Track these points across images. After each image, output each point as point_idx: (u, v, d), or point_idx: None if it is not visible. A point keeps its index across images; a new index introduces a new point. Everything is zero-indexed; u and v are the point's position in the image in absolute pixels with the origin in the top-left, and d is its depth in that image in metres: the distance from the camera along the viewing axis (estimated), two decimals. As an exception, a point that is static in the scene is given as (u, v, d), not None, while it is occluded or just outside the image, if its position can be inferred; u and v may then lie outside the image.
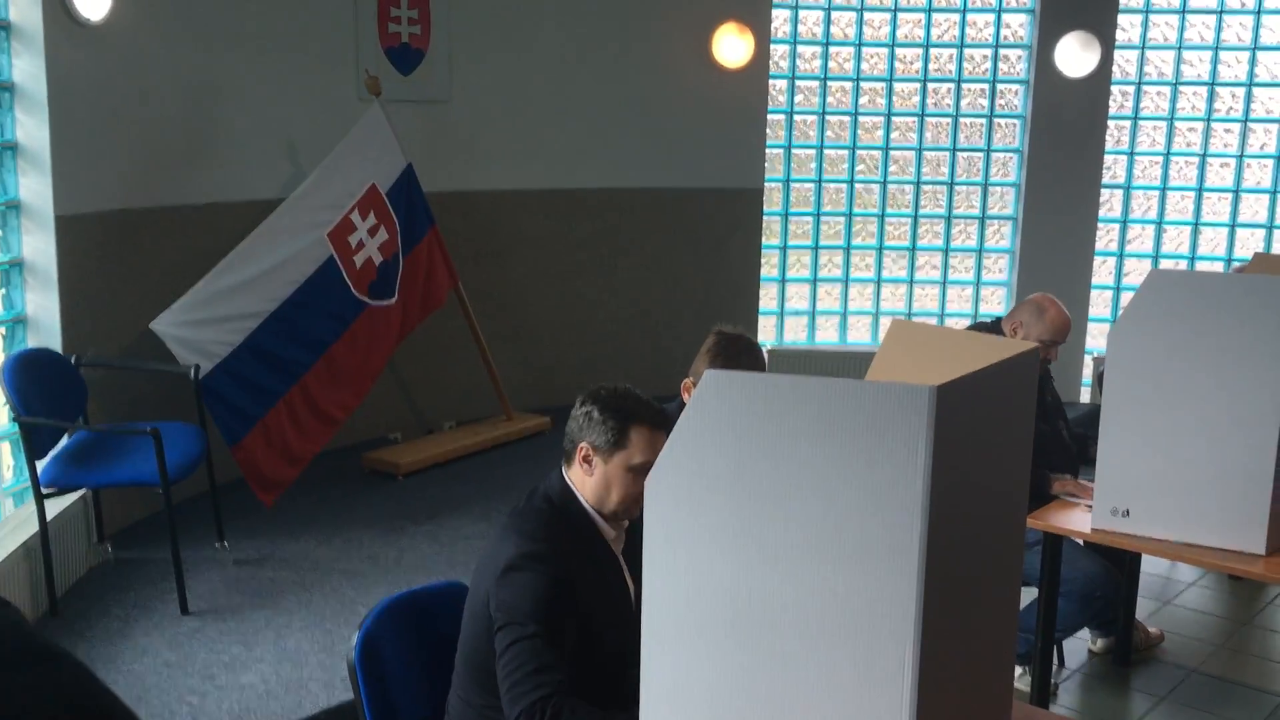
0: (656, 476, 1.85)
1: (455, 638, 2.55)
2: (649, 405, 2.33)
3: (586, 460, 2.28)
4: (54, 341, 4.33)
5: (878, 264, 7.23)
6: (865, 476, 1.72)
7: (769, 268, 7.14)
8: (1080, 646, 4.14)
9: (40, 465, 3.92)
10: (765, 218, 7.00)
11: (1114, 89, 6.94)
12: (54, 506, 4.11)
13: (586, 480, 2.30)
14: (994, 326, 3.99)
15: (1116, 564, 3.87)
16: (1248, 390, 3.02)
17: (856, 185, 7.15)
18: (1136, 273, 7.20)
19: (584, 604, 2.21)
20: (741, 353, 2.90)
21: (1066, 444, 3.99)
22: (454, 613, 2.66)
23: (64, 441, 4.12)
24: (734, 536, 1.82)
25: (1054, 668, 3.85)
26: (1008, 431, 1.97)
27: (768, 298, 7.18)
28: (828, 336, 7.30)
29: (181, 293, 4.45)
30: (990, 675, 2.05)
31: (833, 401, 1.73)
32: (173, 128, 4.91)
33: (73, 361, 4.27)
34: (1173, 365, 3.10)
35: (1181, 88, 6.98)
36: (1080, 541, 3.67)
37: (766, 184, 6.96)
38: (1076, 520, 3.40)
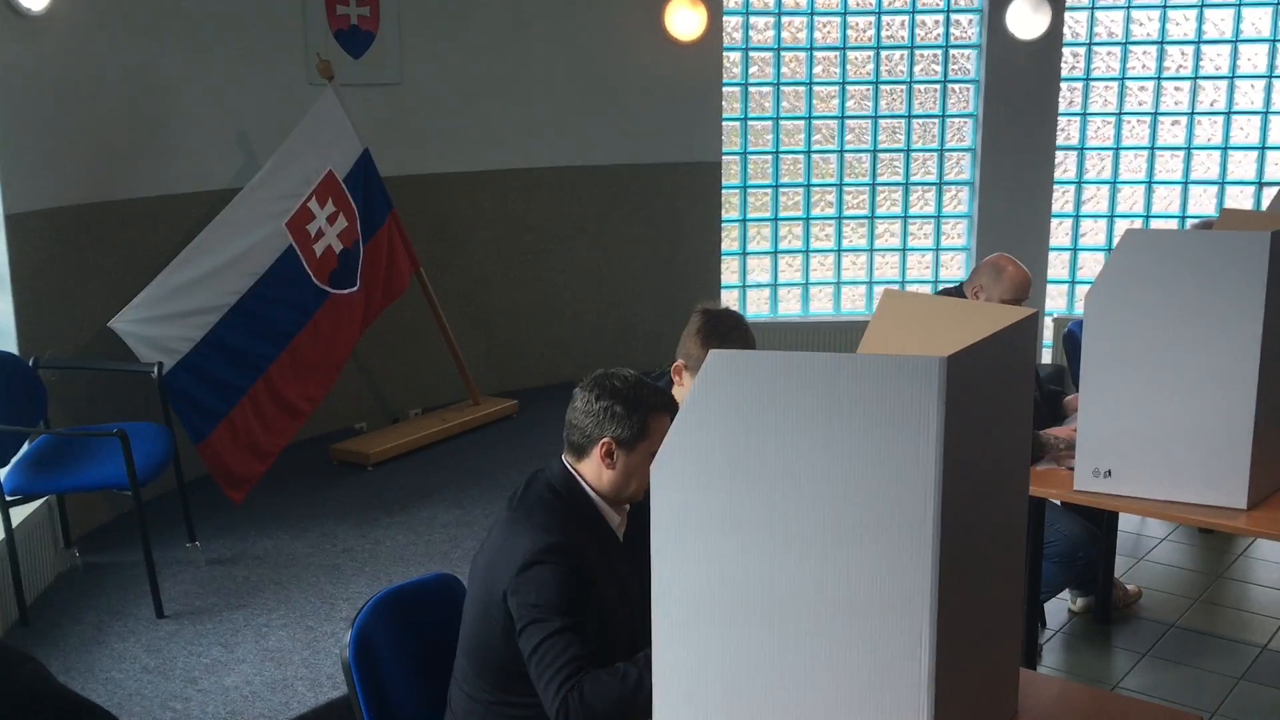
0: (663, 461, 1.82)
1: (449, 631, 2.51)
2: (658, 390, 2.33)
3: (609, 455, 2.27)
4: (9, 344, 4.21)
5: (837, 233, 7.23)
6: (876, 452, 1.70)
7: (729, 241, 7.12)
8: (1060, 607, 4.18)
9: (2, 473, 3.81)
10: (724, 191, 6.97)
11: (1065, 50, 6.97)
12: (18, 514, 4.00)
13: (606, 473, 2.28)
14: (956, 292, 3.99)
15: (1094, 524, 3.91)
16: (1226, 346, 3.04)
17: (814, 155, 7.13)
18: (1092, 233, 7.27)
19: (597, 591, 2.19)
20: (731, 329, 2.86)
21: (1038, 403, 4.01)
22: (447, 606, 2.62)
23: (25, 447, 4.01)
24: (743, 518, 1.79)
25: (1037, 629, 3.88)
26: (1011, 398, 1.96)
27: (729, 271, 7.16)
28: (790, 308, 7.29)
29: (139, 289, 4.35)
30: (1000, 642, 2.04)
31: (841, 377, 1.70)
32: (121, 120, 4.78)
33: (30, 364, 4.15)
34: (1150, 324, 3.11)
35: (1131, 47, 7.03)
36: (1058, 503, 3.69)
37: (724, 157, 6.92)
38: (1058, 482, 3.41)
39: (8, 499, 3.79)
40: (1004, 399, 1.93)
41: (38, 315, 4.33)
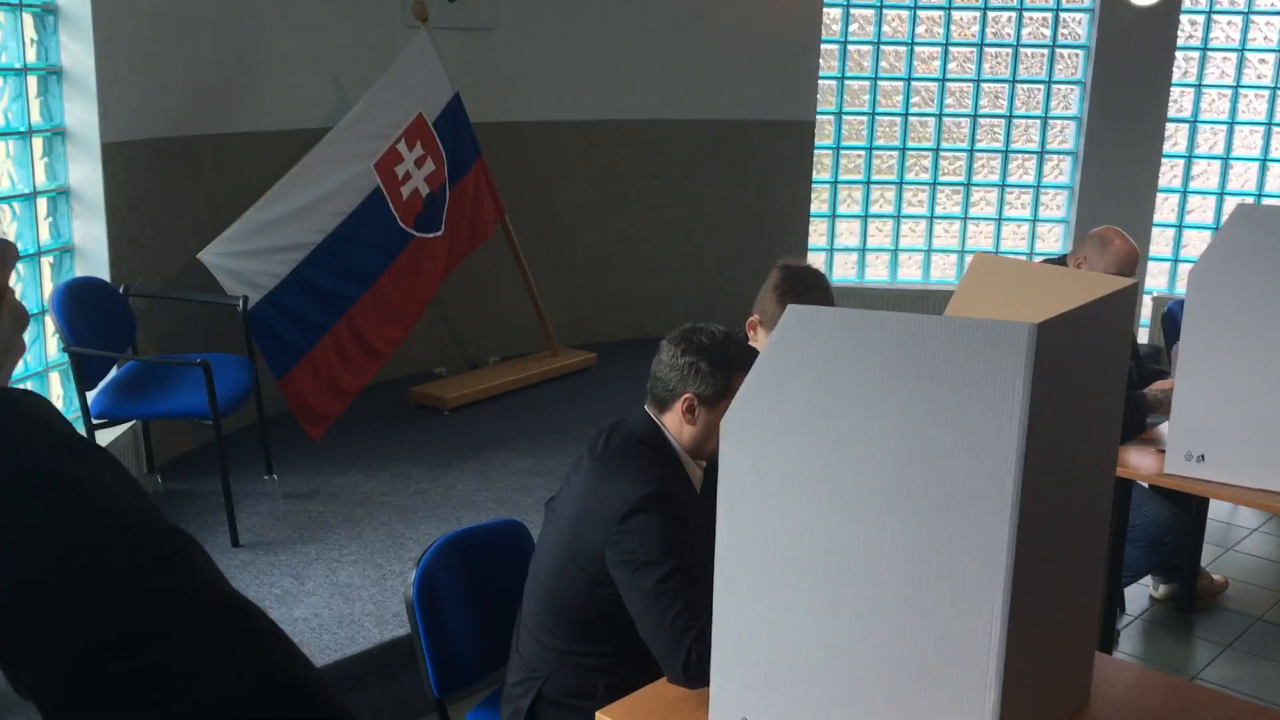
0: (733, 417, 1.77)
1: (514, 576, 2.50)
2: (746, 348, 2.32)
3: (690, 410, 2.26)
4: (101, 271, 4.29)
5: (930, 199, 7.05)
6: (957, 419, 1.63)
7: (819, 203, 6.99)
8: (1142, 593, 4.05)
9: (90, 396, 3.89)
10: (816, 151, 6.83)
11: (1183, 18, 6.68)
12: (104, 437, 4.10)
13: (686, 428, 2.28)
14: (1061, 263, 3.86)
15: (1184, 510, 3.77)
16: (1336, 332, 2.89)
17: (911, 118, 6.95)
18: (1200, 209, 6.99)
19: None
20: (810, 288, 2.79)
21: (1135, 382, 3.87)
22: (512, 552, 2.61)
23: (113, 372, 4.09)
24: (812, 481, 1.74)
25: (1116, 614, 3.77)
26: (1103, 372, 1.87)
27: (817, 234, 7.04)
28: (877, 274, 7.15)
29: (227, 223, 4.39)
30: (1076, 625, 1.97)
31: (924, 339, 1.63)
32: (217, 55, 4.82)
33: (121, 291, 4.23)
34: (1253, 305, 2.97)
35: (1254, 17, 6.71)
36: (1146, 485, 3.56)
37: (818, 116, 6.78)
38: (1147, 464, 3.29)
39: (95, 422, 3.88)
40: (1096, 372, 1.84)
41: (130, 244, 4.40)
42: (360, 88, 5.08)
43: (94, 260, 4.31)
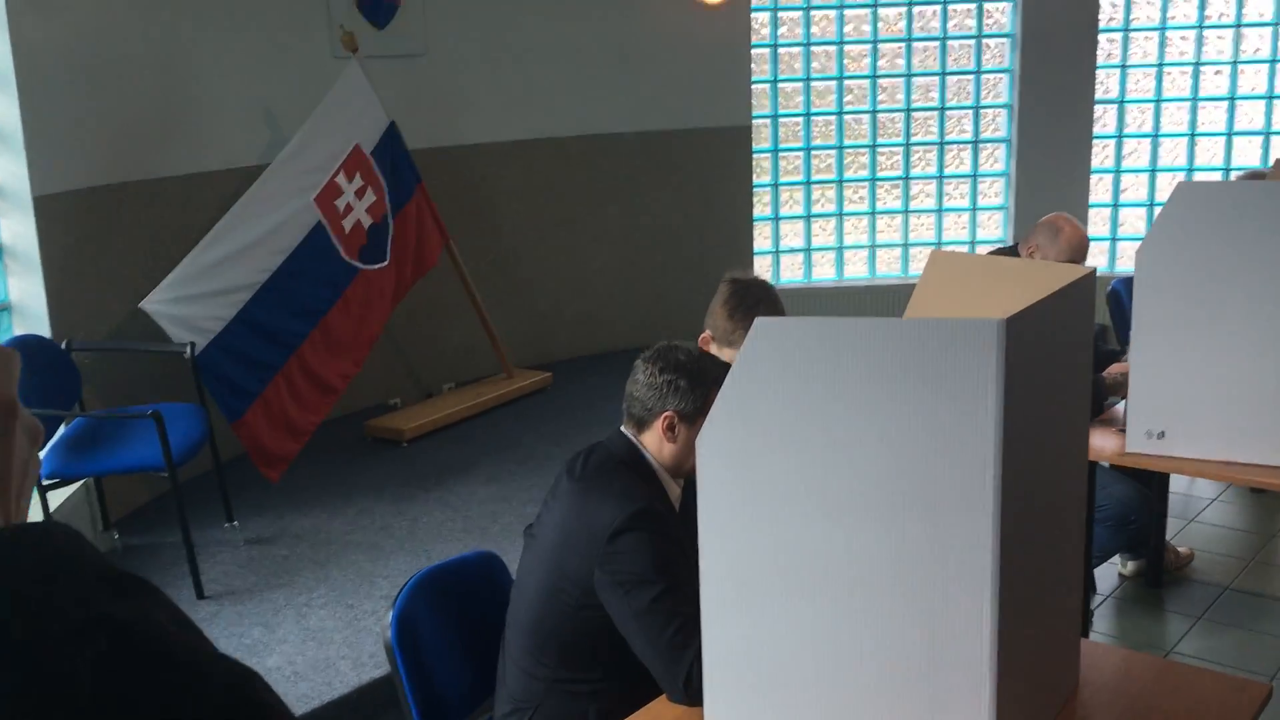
0: (708, 433, 1.76)
1: (493, 608, 2.47)
2: (721, 365, 2.30)
3: (671, 428, 2.26)
4: (41, 328, 4.20)
5: (871, 196, 7.11)
6: (931, 420, 1.63)
7: (761, 206, 7.01)
8: (1111, 571, 4.10)
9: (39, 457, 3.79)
10: (755, 155, 6.86)
11: (1103, 1, 6.79)
12: (56, 497, 4.01)
13: (667, 446, 2.28)
14: (1011, 252, 3.89)
15: (1145, 485, 3.82)
16: (1282, 301, 2.94)
17: (845, 117, 7.00)
18: (1134, 188, 7.11)
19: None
20: (760, 300, 2.80)
21: (1092, 365, 3.91)
22: (489, 584, 2.58)
23: (61, 430, 4.00)
24: (792, 491, 1.73)
25: (1088, 595, 3.81)
26: (1070, 361, 1.88)
27: (761, 237, 7.06)
28: (824, 273, 7.19)
29: (168, 268, 4.32)
30: (1061, 614, 1.97)
31: (893, 342, 1.63)
32: (146, 98, 4.74)
33: (63, 347, 4.14)
34: (1203, 280, 3.01)
35: (1171, -4, 6.85)
36: (1108, 465, 3.60)
37: (754, 120, 6.81)
38: (1109, 444, 3.32)
39: (45, 483, 3.79)
40: (1063, 362, 1.85)
41: (69, 297, 4.31)
42: (293, 122, 5.02)
43: (33, 317, 4.22)
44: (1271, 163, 6.64)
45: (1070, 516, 1.99)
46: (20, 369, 0.72)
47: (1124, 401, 3.29)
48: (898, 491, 1.66)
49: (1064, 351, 1.84)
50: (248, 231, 4.55)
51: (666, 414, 2.25)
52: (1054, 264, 2.15)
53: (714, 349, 2.83)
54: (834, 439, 1.68)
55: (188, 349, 4.16)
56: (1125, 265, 6.90)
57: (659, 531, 2.13)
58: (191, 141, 4.91)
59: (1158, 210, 6.90)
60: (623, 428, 2.33)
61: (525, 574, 2.32)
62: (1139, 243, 3.12)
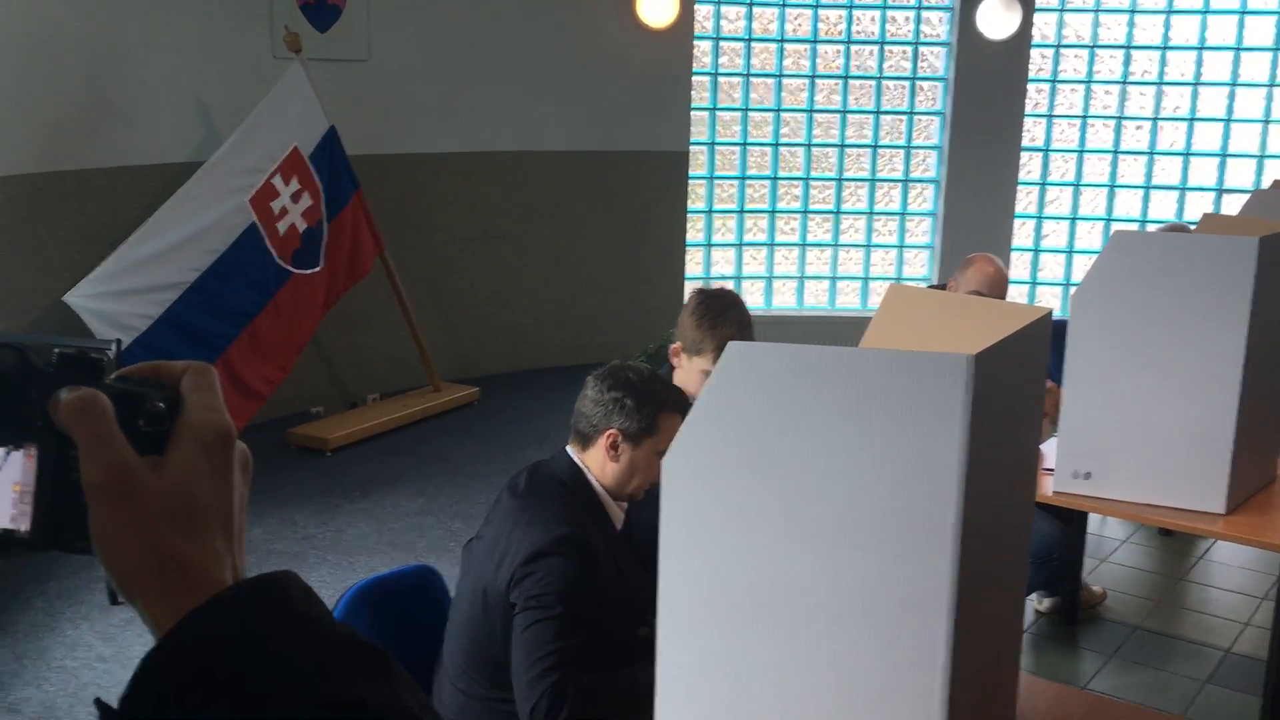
0: (675, 455, 1.75)
1: (431, 624, 2.43)
2: (675, 390, 2.30)
3: (614, 447, 2.23)
4: (-43, 317, 4.05)
5: (802, 228, 7.20)
6: (897, 452, 1.65)
7: (694, 232, 7.06)
8: (1026, 607, 4.18)
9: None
10: (690, 181, 6.91)
11: (1033, 52, 7.00)
12: (-36, 493, 3.85)
13: (609, 465, 2.25)
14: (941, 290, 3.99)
15: (1066, 524, 3.91)
16: (1210, 351, 3.04)
17: (781, 149, 7.09)
18: (1054, 235, 7.30)
19: (601, 585, 2.13)
20: (727, 308, 2.83)
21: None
22: (426, 599, 2.54)
23: (-27, 424, 3.84)
24: (757, 516, 1.73)
25: (1007, 629, 3.87)
26: (1027, 399, 1.92)
27: (693, 262, 7.11)
28: (754, 302, 7.25)
29: (93, 263, 4.20)
30: (1004, 648, 2.01)
31: (865, 372, 1.65)
32: (76, 88, 4.61)
33: (-21, 338, 3.99)
34: (1136, 327, 3.10)
35: (1099, 51, 7.07)
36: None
37: (691, 147, 6.86)
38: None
39: (-46, 478, 3.64)
40: (1020, 399, 1.89)
41: (-12, 287, 4.17)
42: (228, 120, 4.92)
43: (-52, 305, 4.07)
44: (1187, 217, 6.89)
45: (1017, 553, 2.02)
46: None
47: (1052, 438, 3.37)
48: (860, 521, 1.68)
49: (1024, 389, 1.88)
50: (179, 229, 4.45)
51: (610, 432, 2.23)
52: (1011, 303, 2.20)
53: (683, 359, 2.85)
54: (798, 465, 1.69)
55: (112, 346, 4.04)
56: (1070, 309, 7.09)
57: (578, 560, 2.10)
58: (123, 133, 4.79)
59: (1076, 257, 7.15)
60: (568, 446, 2.31)
61: (462, 591, 2.29)
62: (1059, 288, 3.20)
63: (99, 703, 0.55)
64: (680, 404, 2.26)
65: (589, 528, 2.19)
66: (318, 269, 5.00)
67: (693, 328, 2.82)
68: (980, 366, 1.62)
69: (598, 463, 2.26)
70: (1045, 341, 1.99)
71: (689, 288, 7.04)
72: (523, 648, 2.07)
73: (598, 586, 2.12)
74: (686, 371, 2.83)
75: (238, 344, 4.63)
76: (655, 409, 2.22)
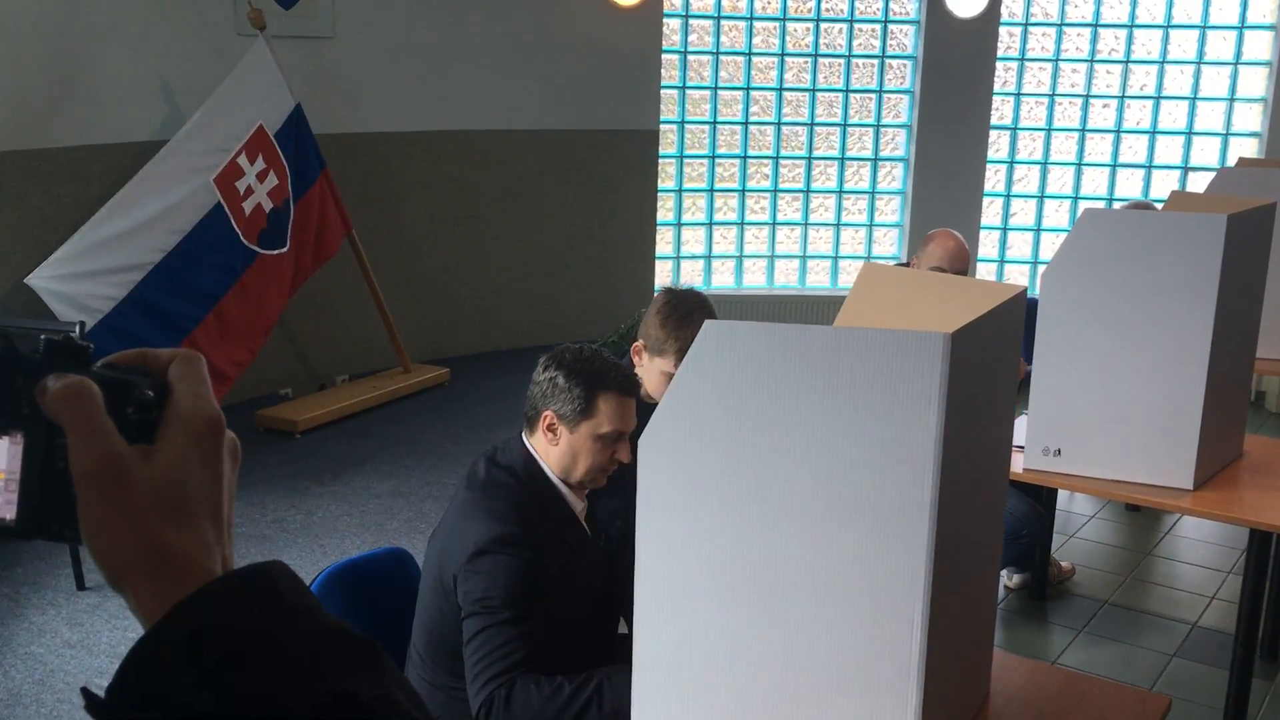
0: (651, 436, 1.74)
1: (404, 608, 2.41)
2: (618, 369, 2.20)
3: (551, 429, 2.16)
4: (-85, 299, 3.98)
5: (772, 206, 7.19)
6: (874, 430, 1.65)
7: (664, 211, 7.04)
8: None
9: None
10: (660, 160, 6.88)
11: (1001, 30, 7.00)
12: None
13: (551, 450, 2.18)
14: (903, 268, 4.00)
15: (1036, 500, 3.94)
16: (1178, 328, 3.06)
17: (751, 128, 7.08)
18: (1022, 213, 7.34)
19: (553, 581, 2.10)
20: (694, 309, 2.79)
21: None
22: (399, 583, 2.52)
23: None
24: (733, 496, 1.73)
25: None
26: (1002, 377, 1.93)
27: (664, 241, 7.09)
28: (723, 281, 7.25)
29: (53, 243, 4.14)
30: (978, 624, 2.02)
31: (841, 351, 1.65)
32: (38, 67, 4.53)
33: (-61, 320, 3.92)
34: (1105, 305, 3.12)
35: (1066, 29, 7.09)
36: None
37: (661, 125, 6.84)
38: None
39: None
40: (995, 378, 1.89)
41: (-53, 269, 4.10)
42: (191, 98, 4.85)
43: (-93, 287, 3.99)
44: (1153, 195, 6.94)
45: (992, 529, 2.03)
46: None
47: (1023, 415, 3.39)
48: (836, 498, 1.68)
49: (998, 367, 1.88)
50: (143, 209, 4.38)
51: (546, 413, 2.16)
52: (985, 281, 2.20)
53: (645, 358, 2.81)
54: (775, 444, 1.69)
55: (76, 329, 3.98)
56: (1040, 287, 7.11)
57: (521, 559, 2.05)
58: (83, 111, 4.72)
59: (1044, 235, 7.19)
60: (522, 430, 2.25)
61: (424, 582, 2.27)
62: (1027, 266, 3.21)
63: (85, 692, 0.55)
64: (624, 385, 2.17)
65: (540, 523, 2.13)
66: (284, 250, 4.94)
67: (657, 327, 2.77)
68: (956, 345, 1.62)
69: (541, 447, 2.19)
70: (1019, 319, 1.99)
71: (659, 267, 7.04)
72: (471, 652, 2.04)
73: (545, 582, 2.08)
74: (647, 371, 2.78)
75: (204, 326, 4.57)
76: (590, 388, 2.13)
